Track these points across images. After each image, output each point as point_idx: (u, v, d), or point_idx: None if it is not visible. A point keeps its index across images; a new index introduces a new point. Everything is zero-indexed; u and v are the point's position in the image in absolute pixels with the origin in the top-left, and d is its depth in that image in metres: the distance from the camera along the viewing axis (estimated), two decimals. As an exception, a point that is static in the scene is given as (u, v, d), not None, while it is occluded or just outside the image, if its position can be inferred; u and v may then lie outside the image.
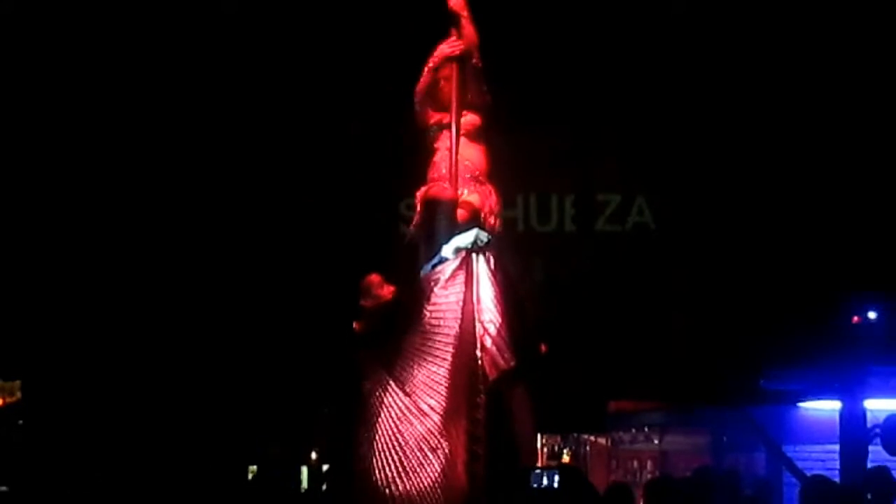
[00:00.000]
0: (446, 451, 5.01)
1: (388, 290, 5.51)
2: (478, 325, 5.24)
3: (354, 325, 5.59)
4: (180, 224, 9.89)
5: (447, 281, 5.27)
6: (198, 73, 9.74)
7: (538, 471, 7.66)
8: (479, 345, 5.22)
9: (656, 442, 12.70)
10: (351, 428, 5.26)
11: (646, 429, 12.54)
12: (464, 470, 5.00)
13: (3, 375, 10.86)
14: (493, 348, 5.29)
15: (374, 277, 5.59)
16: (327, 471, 10.10)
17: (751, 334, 9.47)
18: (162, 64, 9.72)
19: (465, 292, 5.24)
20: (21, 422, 10.73)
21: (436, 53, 5.65)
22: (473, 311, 5.25)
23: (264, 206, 9.86)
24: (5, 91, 9.64)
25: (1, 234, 9.87)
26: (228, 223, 9.85)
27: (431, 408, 5.08)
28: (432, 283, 5.27)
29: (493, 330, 5.30)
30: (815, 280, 9.28)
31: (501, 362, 5.26)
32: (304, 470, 11.22)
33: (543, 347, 5.58)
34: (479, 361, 5.22)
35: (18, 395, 10.89)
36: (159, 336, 9.78)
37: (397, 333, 5.29)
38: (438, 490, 4.96)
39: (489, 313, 5.33)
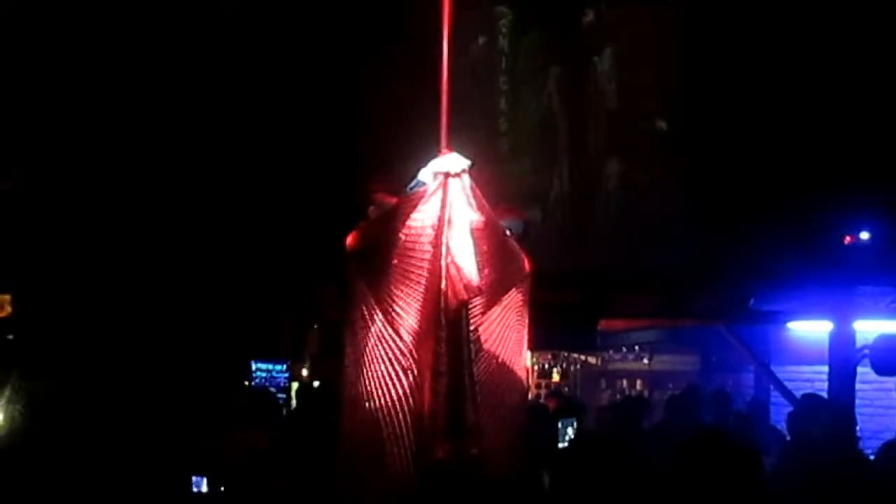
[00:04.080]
0: (415, 374, 5.01)
1: (392, 200, 5.51)
2: (444, 252, 5.19)
3: (348, 238, 5.58)
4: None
5: (423, 203, 5.24)
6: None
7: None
8: (444, 273, 5.17)
9: (646, 361, 12.80)
10: (339, 344, 5.30)
11: (636, 348, 12.62)
12: (428, 400, 4.99)
13: (-8, 289, 10.85)
14: (456, 276, 5.24)
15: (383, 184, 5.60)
16: (317, 387, 10.16)
17: (741, 254, 9.46)
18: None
19: (439, 215, 5.19)
20: (10, 337, 10.74)
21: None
22: (443, 236, 5.21)
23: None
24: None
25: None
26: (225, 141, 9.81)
27: (405, 329, 5.07)
28: (410, 205, 5.25)
29: (459, 258, 5.26)
30: (806, 200, 9.25)
31: (462, 293, 5.21)
32: (295, 386, 11.27)
33: (528, 266, 5.56)
34: (443, 290, 5.16)
35: (9, 309, 10.88)
36: (153, 248, 9.76)
37: (381, 252, 5.27)
38: (405, 412, 4.98)
39: (459, 239, 5.30)
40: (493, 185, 5.74)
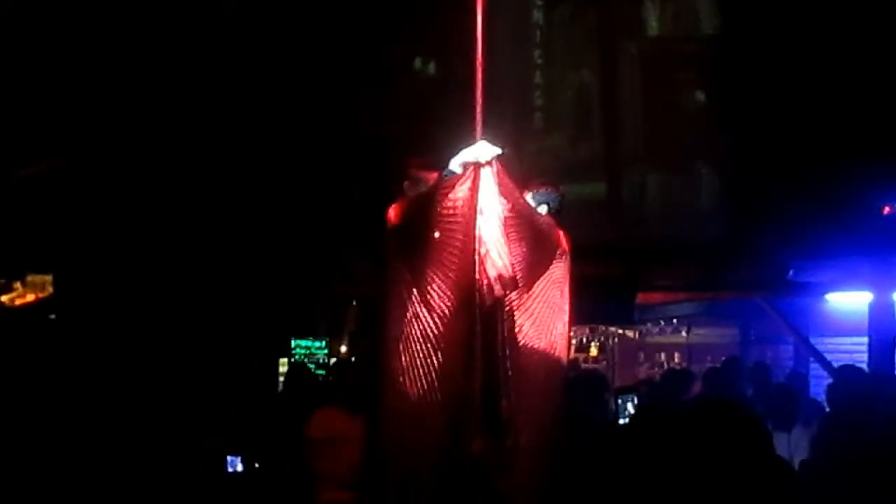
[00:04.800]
0: (447, 366, 5.04)
1: (432, 177, 5.52)
2: (477, 244, 5.20)
3: (389, 212, 5.60)
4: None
5: (453, 193, 5.25)
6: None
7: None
8: (478, 267, 5.17)
9: (684, 334, 12.76)
10: (375, 320, 5.33)
11: (673, 321, 12.58)
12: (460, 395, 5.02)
13: (34, 269, 10.95)
14: (491, 269, 5.24)
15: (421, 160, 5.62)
16: (354, 362, 10.21)
17: (778, 226, 9.42)
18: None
19: (470, 206, 5.19)
20: (53, 316, 10.85)
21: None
22: (475, 228, 5.21)
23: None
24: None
25: (32, 128, 9.90)
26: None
27: (438, 316, 5.09)
28: (443, 191, 5.25)
29: (492, 250, 5.26)
30: (845, 170, 9.18)
31: (497, 288, 5.21)
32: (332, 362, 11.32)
33: (565, 242, 5.57)
34: (477, 284, 5.16)
35: (50, 290, 10.99)
36: (191, 233, 9.84)
37: (417, 233, 5.29)
38: (438, 400, 5.02)
39: (491, 230, 5.29)
40: (529, 159, 5.75)
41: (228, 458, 7.14)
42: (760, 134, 9.57)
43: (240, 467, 7.14)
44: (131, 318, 9.99)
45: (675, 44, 9.78)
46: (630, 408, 7.45)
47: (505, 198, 5.29)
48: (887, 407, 6.47)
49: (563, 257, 5.59)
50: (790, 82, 9.39)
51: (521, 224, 5.36)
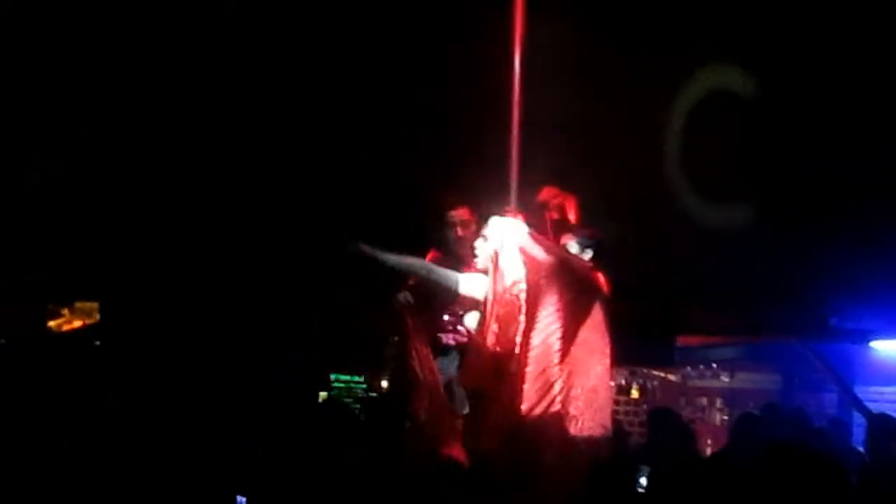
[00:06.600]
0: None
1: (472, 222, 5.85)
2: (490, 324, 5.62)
3: (431, 252, 5.82)
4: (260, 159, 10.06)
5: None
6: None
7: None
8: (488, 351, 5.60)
9: (725, 379, 12.63)
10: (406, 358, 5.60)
11: (714, 365, 12.47)
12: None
13: (81, 296, 11.09)
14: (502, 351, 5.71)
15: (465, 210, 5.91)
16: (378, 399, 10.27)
17: (822, 271, 9.34)
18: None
19: (489, 290, 5.70)
20: (98, 343, 10.97)
21: None
22: (490, 310, 5.62)
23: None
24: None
25: (82, 161, 10.07)
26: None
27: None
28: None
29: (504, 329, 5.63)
30: (889, 217, 9.11)
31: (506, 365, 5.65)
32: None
33: (604, 286, 5.71)
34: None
35: (97, 316, 11.12)
36: (237, 262, 9.94)
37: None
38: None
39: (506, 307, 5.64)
40: (568, 198, 5.81)
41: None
42: (805, 177, 9.52)
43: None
44: (174, 348, 10.08)
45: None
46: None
47: (540, 256, 5.54)
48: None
49: (603, 300, 5.68)
50: (834, 122, 9.35)
51: (561, 274, 5.54)
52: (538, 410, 5.40)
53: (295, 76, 10.02)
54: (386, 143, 9.81)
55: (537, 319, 5.45)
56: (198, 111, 10.17)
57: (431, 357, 5.84)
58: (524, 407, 5.36)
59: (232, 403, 9.64)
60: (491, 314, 5.53)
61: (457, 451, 5.57)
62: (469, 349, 5.74)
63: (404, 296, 5.95)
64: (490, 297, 5.56)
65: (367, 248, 5.95)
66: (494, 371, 5.49)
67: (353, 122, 10.03)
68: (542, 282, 5.55)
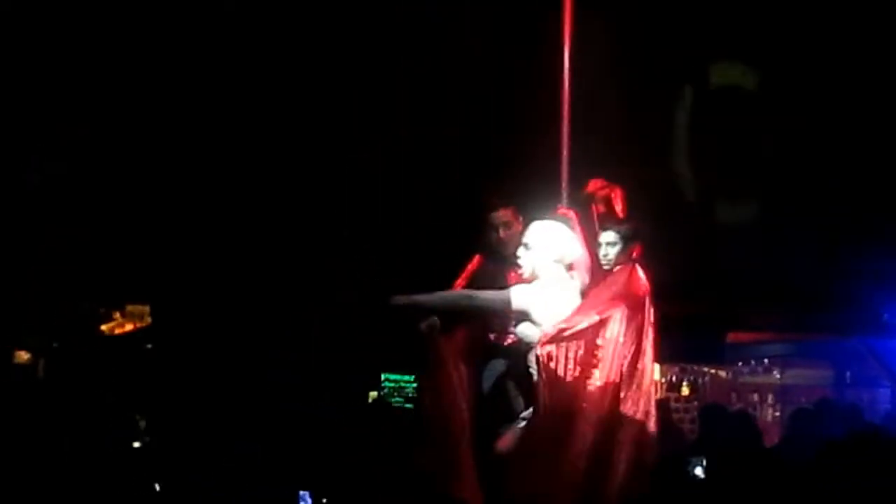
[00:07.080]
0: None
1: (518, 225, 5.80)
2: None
3: (475, 258, 5.83)
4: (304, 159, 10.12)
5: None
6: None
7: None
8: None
9: (777, 375, 12.55)
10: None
11: (765, 361, 12.39)
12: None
13: (133, 300, 11.17)
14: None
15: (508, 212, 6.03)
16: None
17: (874, 266, 9.27)
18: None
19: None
20: (150, 346, 11.05)
21: None
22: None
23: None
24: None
25: (131, 165, 10.16)
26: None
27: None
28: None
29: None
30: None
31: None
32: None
33: (646, 283, 5.72)
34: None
35: (148, 320, 11.20)
36: (287, 263, 10.00)
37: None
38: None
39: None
40: (616, 189, 5.82)
41: (300, 493, 7.16)
42: (857, 173, 9.46)
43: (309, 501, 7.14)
44: (225, 352, 10.14)
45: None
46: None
47: (580, 247, 5.57)
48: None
49: (646, 297, 5.66)
50: (887, 122, 9.29)
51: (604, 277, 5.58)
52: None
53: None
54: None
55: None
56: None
57: (466, 381, 5.74)
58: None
59: (285, 405, 9.70)
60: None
61: (469, 493, 5.52)
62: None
63: (429, 322, 5.75)
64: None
65: (401, 299, 5.73)
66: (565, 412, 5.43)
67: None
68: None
